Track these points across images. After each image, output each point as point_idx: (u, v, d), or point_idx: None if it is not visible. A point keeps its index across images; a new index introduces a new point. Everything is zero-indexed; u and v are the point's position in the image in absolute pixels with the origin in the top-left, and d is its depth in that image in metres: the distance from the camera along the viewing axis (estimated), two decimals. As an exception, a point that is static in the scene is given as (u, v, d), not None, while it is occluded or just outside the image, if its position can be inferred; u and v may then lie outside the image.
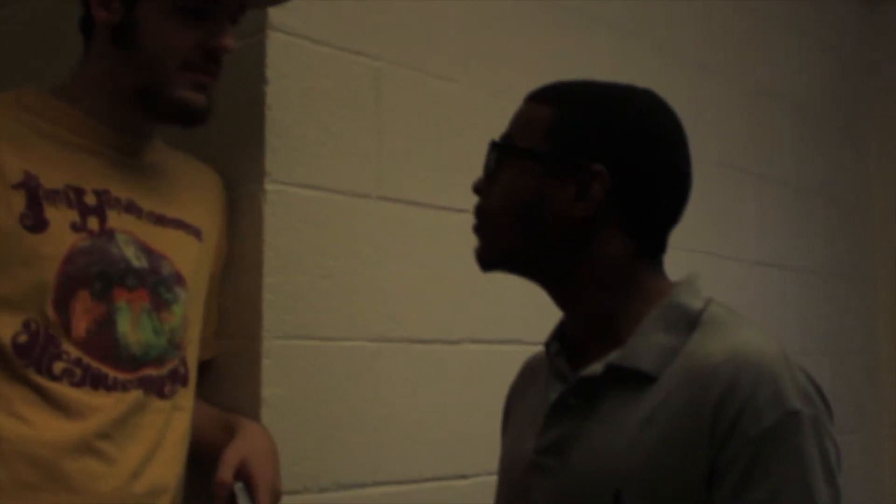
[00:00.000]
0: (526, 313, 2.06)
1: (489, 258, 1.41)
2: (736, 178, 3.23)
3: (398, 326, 2.09)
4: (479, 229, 1.41)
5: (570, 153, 1.34)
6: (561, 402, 1.35)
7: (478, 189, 1.42)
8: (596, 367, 1.32)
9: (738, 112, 3.28)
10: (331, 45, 1.99)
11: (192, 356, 1.75)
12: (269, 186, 1.85)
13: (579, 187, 1.32)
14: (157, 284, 1.66)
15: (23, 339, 1.52)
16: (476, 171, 1.43)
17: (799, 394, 1.23)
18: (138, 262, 1.64)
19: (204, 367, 1.82)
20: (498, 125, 1.43)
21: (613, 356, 1.31)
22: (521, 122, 1.41)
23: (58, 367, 1.54)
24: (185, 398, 1.71)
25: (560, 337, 1.44)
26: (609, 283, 1.35)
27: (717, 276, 3.05)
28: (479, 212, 1.42)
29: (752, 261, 3.30)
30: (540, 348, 1.50)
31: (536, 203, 1.35)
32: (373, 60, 2.08)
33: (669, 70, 2.91)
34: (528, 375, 1.56)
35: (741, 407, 1.21)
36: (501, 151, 1.39)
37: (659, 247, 1.39)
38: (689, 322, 1.31)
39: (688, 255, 2.81)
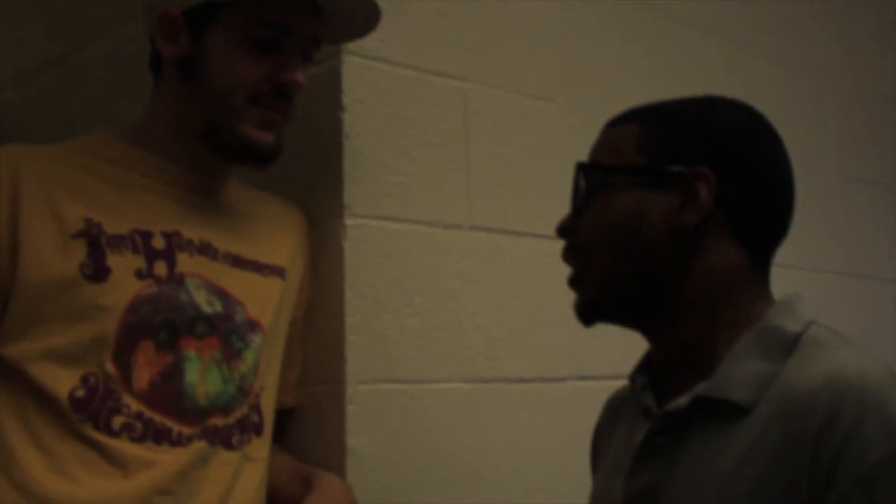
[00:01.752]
0: (636, 344, 1.93)
1: (595, 309, 1.32)
2: (864, 191, 3.10)
3: (495, 365, 1.99)
4: (577, 278, 1.33)
5: (668, 160, 1.25)
6: (648, 443, 1.26)
7: (566, 229, 1.33)
8: (682, 400, 1.22)
9: (864, 121, 3.15)
10: (412, 67, 1.92)
11: (269, 404, 1.68)
12: (348, 221, 1.78)
13: (684, 194, 1.24)
14: (229, 332, 1.59)
15: (80, 393, 1.47)
16: None
17: None
18: (210, 307, 1.58)
19: (286, 416, 1.77)
20: None
21: (701, 387, 1.21)
22: (605, 146, 1.33)
23: (117, 421, 1.48)
24: (259, 449, 1.64)
25: (646, 369, 1.35)
26: (714, 301, 1.25)
27: (849, 297, 2.93)
28: (573, 253, 1.33)
29: (890, 278, 3.17)
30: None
31: (638, 221, 1.25)
32: (459, 82, 2.00)
33: (787, 80, 2.79)
34: (614, 412, 1.48)
35: (844, 439, 1.08)
36: (591, 174, 1.30)
37: (767, 261, 1.30)
38: (787, 346, 1.20)
39: (817, 275, 2.75)
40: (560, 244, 1.95)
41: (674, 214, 1.24)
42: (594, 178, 1.30)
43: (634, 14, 2.38)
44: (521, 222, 2.06)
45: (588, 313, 1.32)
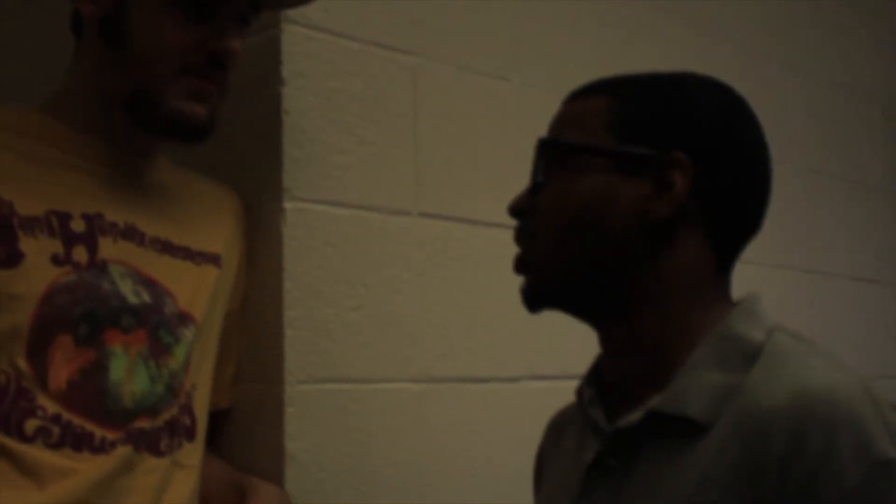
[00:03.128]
0: (592, 341, 1.90)
1: (542, 294, 1.24)
2: (824, 185, 3.09)
3: (446, 364, 1.93)
4: (524, 261, 1.23)
5: (641, 143, 1.16)
6: (597, 463, 1.18)
7: (518, 208, 1.23)
8: (634, 416, 1.14)
9: (827, 114, 3.14)
10: (359, 40, 1.83)
11: (201, 405, 1.58)
12: (288, 205, 1.69)
13: (657, 182, 1.15)
14: (157, 325, 1.49)
15: None
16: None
17: (891, 438, 1.02)
18: (137, 298, 1.47)
19: (219, 418, 1.69)
20: None
21: (655, 400, 1.13)
22: (569, 120, 1.23)
23: (31, 425, 1.36)
24: (191, 454, 1.54)
25: (594, 380, 1.26)
26: (676, 306, 1.17)
27: (806, 294, 2.93)
28: (524, 235, 1.23)
29: (846, 276, 3.15)
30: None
31: (604, 206, 1.16)
32: (408, 56, 1.91)
33: (748, 68, 2.75)
34: (557, 433, 1.39)
35: (815, 463, 1.00)
36: (554, 152, 1.21)
37: (734, 259, 1.22)
38: (749, 356, 1.12)
39: (772, 270, 2.75)
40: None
41: (644, 202, 1.15)
42: (555, 154, 1.21)
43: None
44: (473, 209, 2.00)
45: (534, 298, 1.24)
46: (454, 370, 1.93)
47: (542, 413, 2.01)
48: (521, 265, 1.23)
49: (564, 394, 2.02)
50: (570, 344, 2.06)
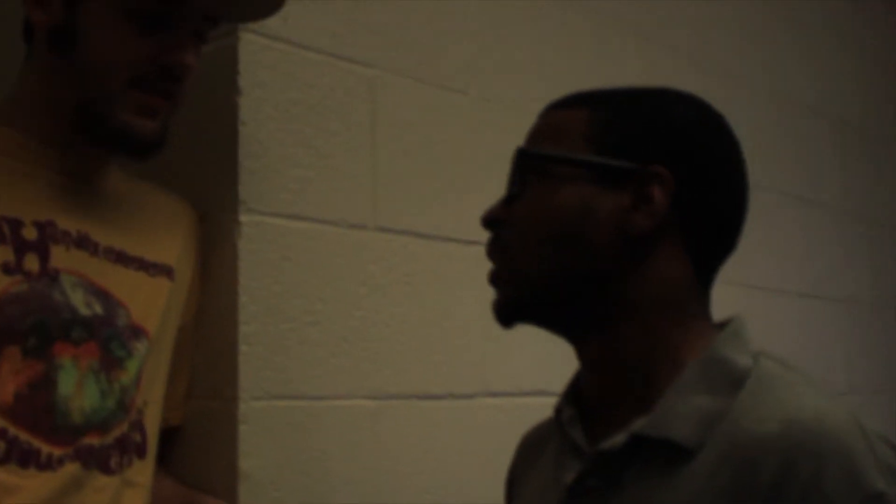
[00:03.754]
0: (550, 359, 1.87)
1: (515, 308, 1.21)
2: (775, 202, 3.09)
3: (402, 380, 1.89)
4: (498, 275, 1.20)
5: (620, 156, 1.14)
6: (578, 485, 1.15)
7: (492, 219, 1.21)
8: (618, 439, 1.11)
9: (777, 129, 3.15)
10: (316, 50, 1.80)
11: (153, 422, 1.53)
12: (243, 217, 1.65)
13: (636, 195, 1.13)
14: (109, 338, 1.44)
15: None
16: (490, 195, 1.24)
17: (881, 470, 1.01)
18: (88, 309, 1.43)
19: (171, 435, 1.65)
20: (513, 143, 1.28)
21: (640, 423, 1.11)
22: (547, 131, 1.21)
23: None
24: (141, 473, 1.50)
25: (573, 398, 1.23)
26: (657, 322, 1.15)
27: (756, 311, 2.87)
28: (498, 248, 1.21)
29: (795, 292, 3.16)
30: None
31: (580, 220, 1.14)
32: (366, 68, 1.88)
33: (701, 82, 2.70)
34: (531, 451, 1.36)
35: (804, 495, 0.99)
36: (531, 163, 1.18)
37: (712, 277, 1.20)
38: (736, 381, 1.10)
39: (723, 287, 2.65)
40: (472, 250, 1.88)
41: (623, 215, 1.14)
42: (533, 165, 1.18)
43: (549, 5, 2.31)
44: (430, 224, 1.98)
45: (507, 313, 1.21)
46: (410, 387, 1.91)
47: (497, 430, 2.02)
48: (495, 279, 1.20)
49: (519, 411, 2.05)
50: (526, 361, 2.11)
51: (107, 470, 1.42)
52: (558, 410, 1.25)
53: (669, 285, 1.14)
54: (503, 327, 1.22)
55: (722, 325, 1.16)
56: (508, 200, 1.19)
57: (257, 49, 1.69)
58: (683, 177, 1.13)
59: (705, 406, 1.08)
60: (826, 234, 3.35)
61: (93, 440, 1.40)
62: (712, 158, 1.16)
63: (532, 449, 1.35)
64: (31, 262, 1.38)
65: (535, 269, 1.16)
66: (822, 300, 3.26)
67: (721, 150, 1.18)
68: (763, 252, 2.98)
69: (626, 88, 1.22)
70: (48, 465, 1.35)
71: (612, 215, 1.13)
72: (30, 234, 1.39)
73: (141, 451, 1.49)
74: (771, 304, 3.00)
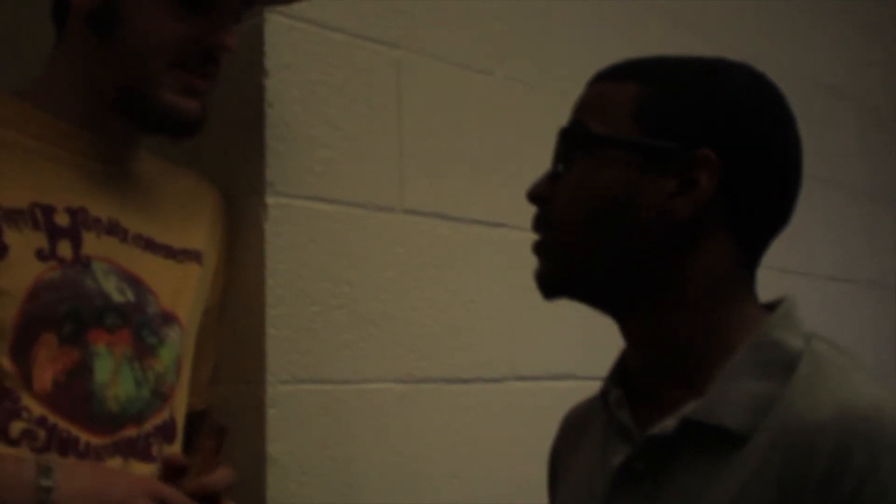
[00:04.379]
0: (578, 342, 1.96)
1: (558, 281, 1.18)
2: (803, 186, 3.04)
3: (430, 364, 1.90)
4: (543, 245, 1.18)
5: (667, 137, 1.11)
6: (626, 468, 1.13)
7: (538, 195, 1.18)
8: (669, 424, 1.09)
9: (803, 112, 3.07)
10: (341, 31, 1.80)
11: (180, 407, 1.53)
12: (270, 200, 1.66)
13: (681, 179, 1.10)
14: (141, 326, 1.44)
15: None
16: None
17: None
18: (121, 296, 1.43)
19: (195, 420, 1.62)
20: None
21: (691, 408, 1.08)
22: (595, 105, 1.17)
23: (16, 427, 1.31)
24: None
25: (620, 379, 1.21)
26: (704, 304, 1.12)
27: (783, 294, 2.88)
28: (543, 223, 1.18)
29: (821, 275, 3.15)
30: (596, 383, 1.28)
31: (625, 203, 1.11)
32: (392, 49, 1.88)
33: None
34: (575, 430, 1.34)
35: (859, 484, 0.96)
36: (575, 141, 1.15)
37: (759, 258, 1.17)
38: (788, 365, 1.08)
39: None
40: (499, 232, 1.87)
41: (666, 200, 1.11)
42: (577, 142, 1.16)
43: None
44: (457, 206, 1.97)
45: (549, 284, 1.19)
46: (438, 371, 1.91)
47: (525, 414, 2.03)
48: (539, 249, 1.19)
49: (548, 394, 2.05)
50: (554, 345, 2.10)
51: (148, 458, 1.42)
52: (604, 392, 1.23)
53: (716, 268, 1.12)
54: (545, 298, 1.20)
55: (769, 306, 1.14)
56: (553, 177, 1.17)
57: (283, 30, 1.69)
58: (732, 161, 1.10)
59: (757, 391, 1.06)
60: (852, 216, 3.34)
61: (131, 432, 1.41)
62: (764, 142, 1.13)
63: (576, 429, 1.34)
64: (65, 249, 1.39)
65: (578, 246, 1.15)
66: (849, 283, 3.26)
67: (775, 132, 1.14)
68: (790, 235, 2.95)
69: (679, 59, 1.18)
70: (86, 453, 1.35)
71: (654, 200, 1.11)
72: (62, 220, 1.40)
73: (171, 437, 1.49)
74: (798, 286, 2.97)
